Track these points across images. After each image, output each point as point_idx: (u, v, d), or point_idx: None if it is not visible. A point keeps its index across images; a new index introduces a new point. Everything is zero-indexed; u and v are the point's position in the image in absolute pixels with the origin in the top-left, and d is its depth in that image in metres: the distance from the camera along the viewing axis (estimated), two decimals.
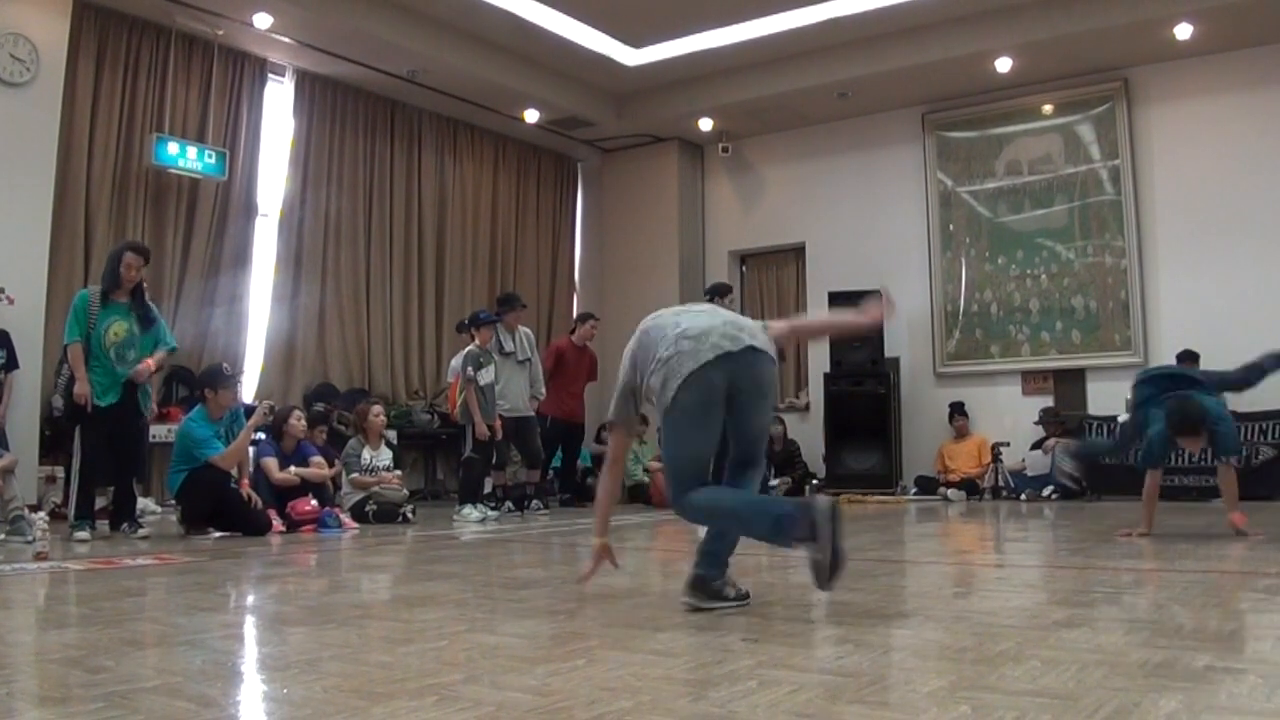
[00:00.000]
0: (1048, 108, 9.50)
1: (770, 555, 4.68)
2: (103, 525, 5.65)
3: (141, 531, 5.56)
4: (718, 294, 7.85)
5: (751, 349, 2.79)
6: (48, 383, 6.88)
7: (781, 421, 10.05)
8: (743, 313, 9.52)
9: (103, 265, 5.89)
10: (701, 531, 2.98)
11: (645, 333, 2.97)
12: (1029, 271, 9.51)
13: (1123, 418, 8.22)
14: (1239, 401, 8.09)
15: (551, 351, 8.76)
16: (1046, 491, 8.47)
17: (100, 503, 5.74)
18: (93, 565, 4.25)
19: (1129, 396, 5.56)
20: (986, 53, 8.92)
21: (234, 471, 5.95)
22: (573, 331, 8.93)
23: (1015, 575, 4.04)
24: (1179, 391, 5.04)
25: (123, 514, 5.62)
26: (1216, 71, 8.76)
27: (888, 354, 9.67)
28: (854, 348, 9.53)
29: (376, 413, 7.06)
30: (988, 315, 9.70)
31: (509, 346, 7.64)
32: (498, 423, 7.22)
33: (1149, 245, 9.01)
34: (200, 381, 6.23)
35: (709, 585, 2.84)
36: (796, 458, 10.00)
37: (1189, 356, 8.16)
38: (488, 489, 7.50)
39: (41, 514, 4.87)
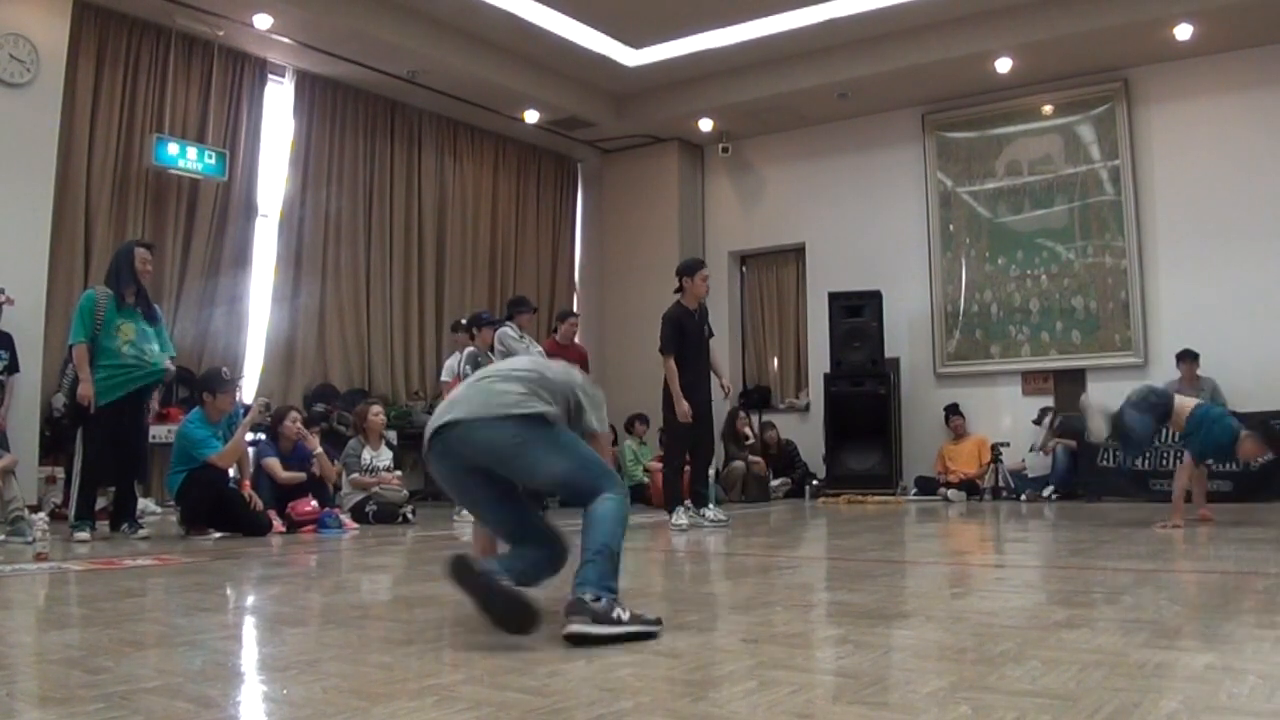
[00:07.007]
0: (1048, 108, 9.49)
1: (766, 556, 4.69)
2: (103, 526, 5.65)
3: (141, 532, 5.55)
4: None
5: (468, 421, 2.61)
6: (48, 383, 6.88)
7: (772, 425, 10.03)
8: (742, 309, 9.54)
9: (104, 266, 5.88)
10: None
11: None
12: (1029, 272, 9.51)
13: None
14: (1238, 402, 8.11)
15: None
16: (1046, 492, 8.47)
17: (100, 503, 5.74)
18: (93, 566, 4.24)
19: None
20: (986, 53, 8.92)
21: (234, 472, 5.96)
22: (554, 331, 8.84)
23: (1015, 576, 4.04)
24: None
25: (123, 514, 5.61)
26: (1216, 71, 8.76)
27: (888, 354, 9.66)
28: (854, 348, 9.53)
29: (376, 413, 7.06)
30: (988, 315, 9.69)
31: (526, 345, 7.56)
32: None
33: (1149, 245, 9.01)
34: (199, 385, 6.23)
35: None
36: (796, 458, 10.01)
37: (1189, 356, 8.17)
38: None
39: (41, 514, 4.87)
